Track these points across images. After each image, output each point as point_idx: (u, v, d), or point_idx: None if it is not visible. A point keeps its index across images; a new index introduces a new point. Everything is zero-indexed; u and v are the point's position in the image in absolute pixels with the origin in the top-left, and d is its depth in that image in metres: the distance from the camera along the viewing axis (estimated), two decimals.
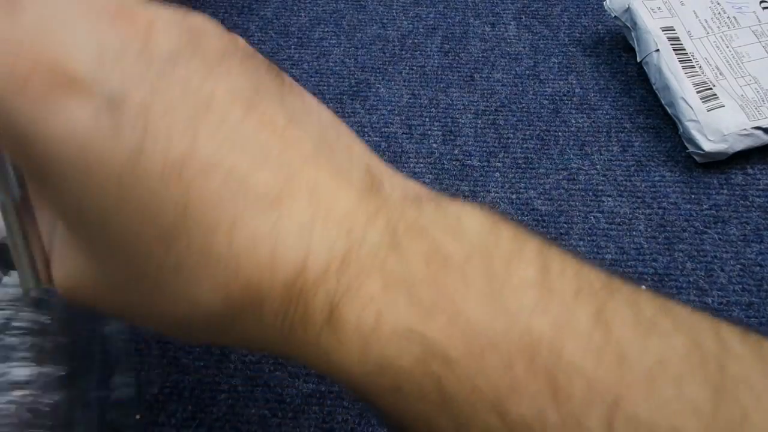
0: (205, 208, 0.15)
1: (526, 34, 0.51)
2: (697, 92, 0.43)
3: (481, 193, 0.42)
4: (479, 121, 0.46)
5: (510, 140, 0.45)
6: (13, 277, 0.24)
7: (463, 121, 0.45)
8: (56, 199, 0.16)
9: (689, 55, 0.45)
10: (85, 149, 0.15)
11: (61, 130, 0.15)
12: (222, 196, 0.15)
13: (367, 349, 0.15)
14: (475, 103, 0.47)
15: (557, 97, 0.47)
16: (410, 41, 0.50)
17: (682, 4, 0.48)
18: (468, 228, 0.16)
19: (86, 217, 0.16)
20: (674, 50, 0.45)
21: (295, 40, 0.50)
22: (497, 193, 0.42)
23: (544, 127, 0.46)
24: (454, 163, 0.44)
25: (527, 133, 0.45)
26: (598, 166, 0.44)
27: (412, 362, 0.15)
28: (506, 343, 0.14)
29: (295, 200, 0.16)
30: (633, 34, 0.47)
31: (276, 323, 0.16)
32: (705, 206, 0.42)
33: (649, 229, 0.41)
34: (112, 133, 0.15)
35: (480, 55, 0.49)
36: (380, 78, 0.48)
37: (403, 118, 0.46)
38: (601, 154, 0.44)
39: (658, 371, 0.14)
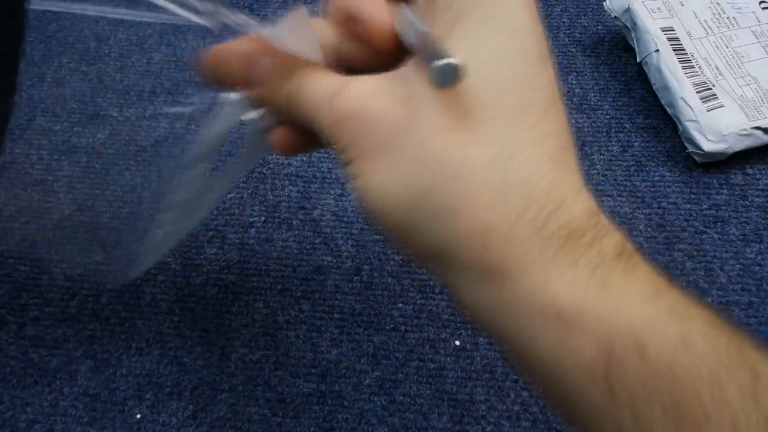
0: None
1: None
2: (697, 92, 0.43)
3: None
4: None
5: None
6: None
7: None
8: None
9: (689, 55, 0.45)
10: None
11: None
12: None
13: (659, 297, 0.17)
14: None
15: None
16: None
17: (682, 5, 0.48)
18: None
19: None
20: (674, 50, 0.45)
21: None
22: None
23: None
24: None
25: None
26: (598, 166, 0.44)
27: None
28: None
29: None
30: (633, 34, 0.47)
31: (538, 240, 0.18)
32: (704, 206, 0.42)
33: (649, 229, 0.41)
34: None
35: None
36: None
37: None
38: (601, 154, 0.44)
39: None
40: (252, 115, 0.24)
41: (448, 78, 0.17)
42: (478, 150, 0.18)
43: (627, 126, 0.46)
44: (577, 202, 0.18)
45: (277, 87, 0.22)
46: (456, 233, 0.18)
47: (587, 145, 0.45)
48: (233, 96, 0.24)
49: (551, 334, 0.17)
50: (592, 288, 0.17)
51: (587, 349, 0.17)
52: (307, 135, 0.23)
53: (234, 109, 0.24)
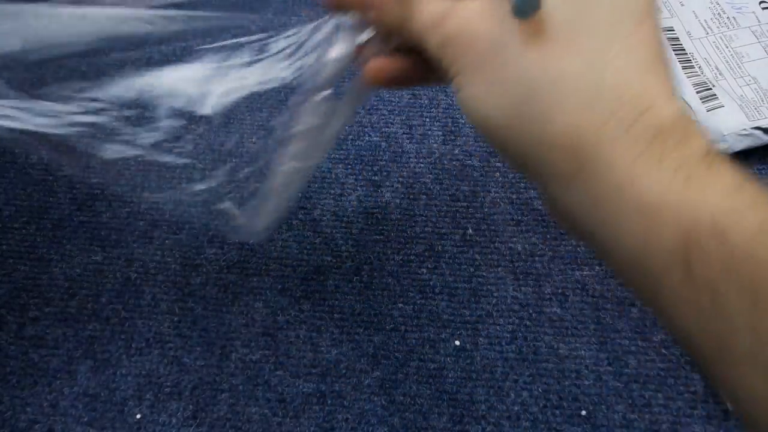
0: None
1: None
2: (697, 92, 0.43)
3: (482, 193, 0.42)
4: None
5: None
6: None
7: (463, 121, 0.46)
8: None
9: (689, 55, 0.45)
10: None
11: None
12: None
13: (741, 187, 0.19)
14: None
15: None
16: None
17: (682, 5, 0.48)
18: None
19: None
20: (674, 50, 0.45)
21: None
22: (497, 193, 0.42)
23: None
24: (454, 163, 0.44)
25: None
26: None
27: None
28: None
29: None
30: None
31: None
32: None
33: None
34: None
35: None
36: None
37: (404, 118, 0.46)
38: None
39: None
40: (365, 36, 0.26)
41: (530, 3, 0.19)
42: (570, 61, 0.20)
43: None
44: (666, 106, 0.20)
45: (390, 11, 0.24)
46: (550, 136, 0.20)
47: None
48: (350, 20, 0.26)
49: (636, 227, 0.19)
50: (675, 183, 0.18)
51: (669, 239, 0.18)
52: (405, 64, 0.25)
53: (351, 33, 0.26)
